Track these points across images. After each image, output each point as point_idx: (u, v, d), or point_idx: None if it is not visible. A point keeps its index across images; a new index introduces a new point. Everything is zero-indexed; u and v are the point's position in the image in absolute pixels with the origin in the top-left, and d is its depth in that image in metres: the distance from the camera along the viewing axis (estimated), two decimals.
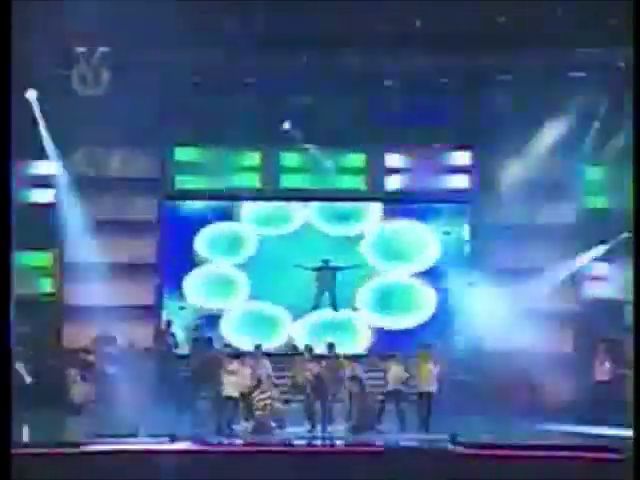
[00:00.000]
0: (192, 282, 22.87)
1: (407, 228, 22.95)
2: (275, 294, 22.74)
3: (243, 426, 17.82)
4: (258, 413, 17.82)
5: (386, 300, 22.87)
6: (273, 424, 17.85)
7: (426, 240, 22.94)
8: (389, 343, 21.67)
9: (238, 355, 18.82)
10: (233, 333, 22.59)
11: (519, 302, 20.94)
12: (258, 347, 19.60)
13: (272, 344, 22.03)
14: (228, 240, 23.06)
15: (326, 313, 22.90)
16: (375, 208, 23.08)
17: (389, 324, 22.73)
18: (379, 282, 22.99)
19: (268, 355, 19.64)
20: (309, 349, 19.36)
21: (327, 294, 22.78)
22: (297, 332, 22.62)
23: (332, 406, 18.77)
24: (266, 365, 19.02)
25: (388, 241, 22.99)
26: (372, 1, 18.38)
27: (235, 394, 17.71)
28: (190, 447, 15.34)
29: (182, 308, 22.74)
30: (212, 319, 22.68)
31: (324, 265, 22.66)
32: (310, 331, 22.63)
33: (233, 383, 17.73)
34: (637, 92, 15.97)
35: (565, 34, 18.60)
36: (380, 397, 18.54)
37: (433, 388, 18.27)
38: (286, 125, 21.51)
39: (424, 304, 22.82)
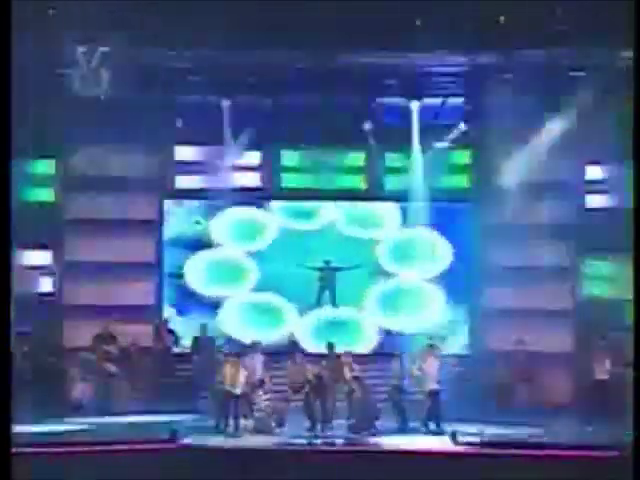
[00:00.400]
0: (194, 266, 22.81)
1: (420, 233, 22.93)
2: (281, 287, 22.68)
3: (242, 424, 17.82)
4: (259, 412, 17.84)
5: (393, 302, 22.83)
6: (273, 423, 17.87)
7: (437, 245, 22.94)
8: (394, 344, 21.55)
9: (238, 354, 18.86)
10: (233, 322, 22.50)
11: (519, 301, 20.98)
12: (256, 344, 19.54)
13: (272, 337, 21.95)
14: (245, 226, 23.02)
15: (328, 311, 22.86)
16: (393, 212, 23.09)
17: (395, 326, 22.65)
18: (387, 284, 22.95)
19: (268, 353, 19.59)
20: (331, 347, 19.32)
21: (328, 293, 22.76)
22: (299, 328, 22.54)
23: (332, 405, 18.87)
24: (264, 364, 18.97)
25: (402, 246, 22.94)
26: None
27: (234, 390, 17.73)
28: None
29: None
30: (211, 306, 22.66)
31: (325, 266, 22.64)
32: (312, 328, 22.58)
33: (231, 380, 17.77)
34: (637, 92, 15.97)
35: (565, 33, 18.64)
36: (382, 395, 18.59)
37: (439, 386, 18.36)
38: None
39: (431, 306, 22.79)
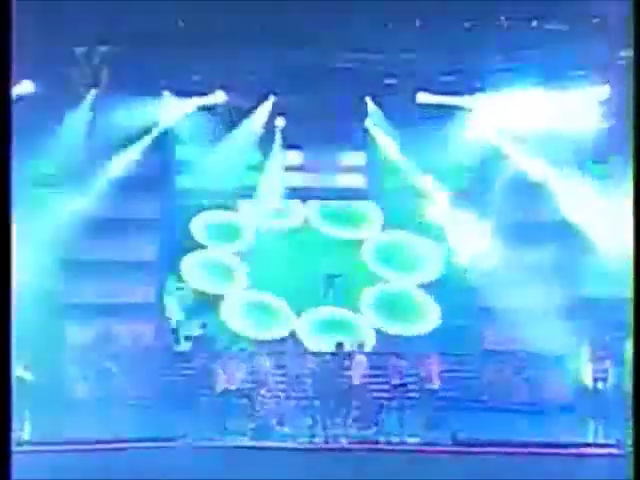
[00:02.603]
0: (191, 264, 22.95)
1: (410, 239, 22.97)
2: (275, 286, 22.77)
3: (244, 424, 17.89)
4: (261, 411, 17.88)
5: (389, 307, 22.84)
6: (274, 421, 17.90)
7: (429, 251, 22.96)
8: (392, 346, 21.58)
9: (238, 352, 18.92)
10: (234, 320, 22.54)
11: (518, 301, 20.99)
12: (260, 343, 19.59)
13: (273, 334, 21.97)
14: (227, 228, 23.18)
15: (328, 311, 22.88)
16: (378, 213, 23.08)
17: (392, 330, 22.68)
18: (383, 288, 22.99)
19: (269, 351, 19.62)
20: (339, 345, 19.35)
21: (330, 294, 22.80)
22: (300, 326, 22.55)
23: (334, 402, 18.95)
24: (267, 362, 19.00)
25: (389, 250, 22.98)
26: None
27: (232, 387, 17.78)
28: None
29: (180, 289, 22.74)
30: (212, 304, 22.69)
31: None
32: (313, 327, 22.60)
33: (231, 379, 17.82)
34: (637, 92, 15.96)
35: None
36: (383, 394, 18.63)
37: (436, 386, 18.40)
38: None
39: (426, 313, 22.82)
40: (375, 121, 21.59)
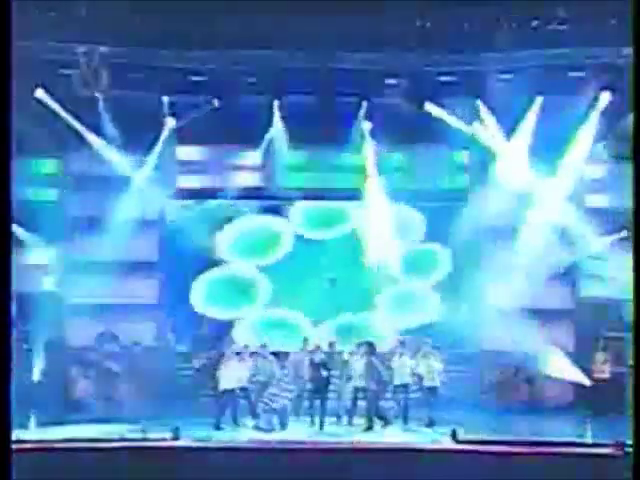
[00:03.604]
0: (202, 288, 22.88)
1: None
2: (293, 300, 22.76)
3: (244, 422, 17.89)
4: (264, 408, 17.89)
5: (398, 304, 22.85)
6: (275, 421, 17.91)
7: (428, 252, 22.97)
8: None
9: (239, 352, 18.90)
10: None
11: (518, 301, 20.99)
12: (264, 346, 19.58)
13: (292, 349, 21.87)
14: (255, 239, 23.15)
15: (345, 317, 22.89)
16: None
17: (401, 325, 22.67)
18: (393, 288, 23.02)
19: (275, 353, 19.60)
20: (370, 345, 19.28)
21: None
22: (318, 336, 22.19)
23: (335, 402, 18.98)
24: (272, 363, 18.94)
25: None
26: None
27: (230, 386, 17.77)
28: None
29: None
30: (223, 327, 22.69)
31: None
32: (332, 334, 22.44)
33: (231, 377, 17.81)
34: (637, 92, 15.95)
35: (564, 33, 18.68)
36: (387, 393, 18.64)
37: (437, 383, 18.41)
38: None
39: (430, 308, 22.83)
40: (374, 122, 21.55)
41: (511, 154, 21.23)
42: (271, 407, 17.95)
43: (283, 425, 17.94)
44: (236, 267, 23.21)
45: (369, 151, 22.07)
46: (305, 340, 20.04)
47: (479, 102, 20.93)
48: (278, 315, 22.91)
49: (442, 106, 20.94)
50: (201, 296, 22.95)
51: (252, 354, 19.31)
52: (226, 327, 22.66)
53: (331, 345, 19.89)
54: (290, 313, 22.82)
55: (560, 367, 20.84)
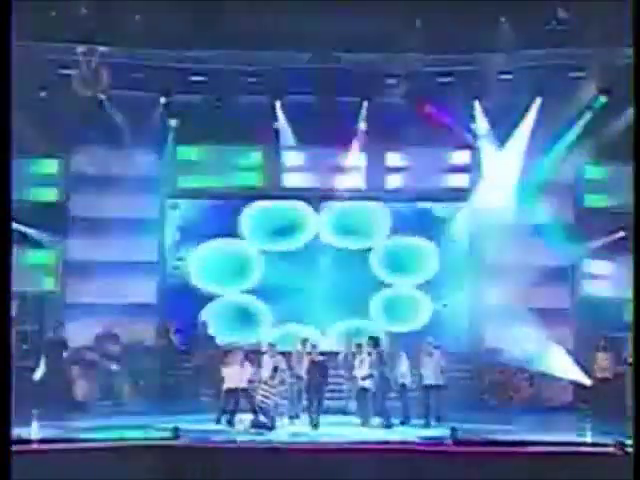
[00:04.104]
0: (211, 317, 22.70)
1: (412, 241, 22.93)
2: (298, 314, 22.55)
3: (241, 419, 17.89)
4: (260, 408, 17.90)
5: (392, 310, 22.84)
6: (267, 419, 17.91)
7: (429, 252, 22.92)
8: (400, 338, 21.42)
9: (239, 351, 18.89)
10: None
11: (518, 301, 21.00)
12: (272, 345, 19.49)
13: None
14: (232, 265, 22.94)
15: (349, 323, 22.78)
16: (383, 220, 23.07)
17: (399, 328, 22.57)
18: (386, 293, 22.95)
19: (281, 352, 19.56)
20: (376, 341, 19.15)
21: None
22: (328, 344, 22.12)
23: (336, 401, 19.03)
24: (274, 361, 18.88)
25: (395, 254, 22.91)
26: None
27: (233, 386, 17.78)
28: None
29: None
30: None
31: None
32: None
33: (232, 377, 17.82)
34: (637, 92, 15.95)
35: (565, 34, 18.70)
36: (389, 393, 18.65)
37: (439, 382, 18.44)
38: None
39: (425, 313, 22.78)
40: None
41: (510, 154, 21.26)
42: (269, 403, 17.96)
43: (273, 424, 17.93)
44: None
45: (369, 151, 22.15)
46: (304, 340, 20.02)
47: (478, 103, 20.96)
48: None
49: (442, 106, 20.98)
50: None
51: (254, 353, 19.30)
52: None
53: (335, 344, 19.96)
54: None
55: (560, 367, 20.85)
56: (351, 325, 22.45)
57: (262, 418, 17.64)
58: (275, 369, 18.20)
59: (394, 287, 22.89)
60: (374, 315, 22.75)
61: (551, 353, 21.02)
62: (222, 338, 21.85)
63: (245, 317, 22.74)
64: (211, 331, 22.05)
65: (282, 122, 21.65)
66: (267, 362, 18.71)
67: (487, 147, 21.63)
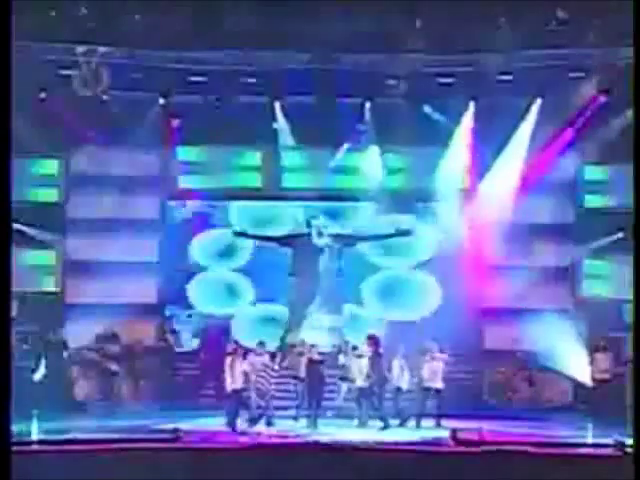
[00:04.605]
0: (197, 289, 22.85)
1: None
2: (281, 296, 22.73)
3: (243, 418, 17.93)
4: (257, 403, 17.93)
5: (390, 293, 22.81)
6: (262, 417, 17.93)
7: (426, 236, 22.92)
8: (397, 336, 21.42)
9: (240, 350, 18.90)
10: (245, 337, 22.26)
11: (517, 300, 21.01)
12: (261, 344, 19.50)
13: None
14: (224, 246, 23.03)
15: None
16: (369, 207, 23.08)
17: (395, 316, 22.54)
18: (382, 276, 22.93)
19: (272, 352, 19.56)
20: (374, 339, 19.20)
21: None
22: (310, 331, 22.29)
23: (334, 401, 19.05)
24: (262, 360, 18.87)
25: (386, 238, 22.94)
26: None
27: (237, 387, 17.81)
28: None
29: (189, 316, 22.72)
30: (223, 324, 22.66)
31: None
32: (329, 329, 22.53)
33: (235, 377, 17.84)
34: (637, 92, 15.98)
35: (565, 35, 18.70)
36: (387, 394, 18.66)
37: (439, 385, 18.43)
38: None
39: (427, 297, 22.77)
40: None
41: (509, 154, 21.28)
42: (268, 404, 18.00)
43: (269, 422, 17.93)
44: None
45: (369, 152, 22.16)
46: (302, 341, 20.03)
47: (477, 103, 20.98)
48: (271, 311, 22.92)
49: (441, 107, 20.99)
50: (199, 295, 22.94)
51: (249, 352, 19.28)
52: (225, 326, 22.63)
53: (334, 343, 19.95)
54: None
55: (560, 367, 20.87)
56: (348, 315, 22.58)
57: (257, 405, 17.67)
58: (272, 357, 18.25)
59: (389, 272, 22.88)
60: (369, 303, 22.75)
61: (551, 354, 21.02)
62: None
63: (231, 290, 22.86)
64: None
65: (282, 123, 21.63)
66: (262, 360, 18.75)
67: (487, 147, 21.59)
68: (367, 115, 21.35)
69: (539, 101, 20.85)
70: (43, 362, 20.31)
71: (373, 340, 18.71)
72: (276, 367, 18.46)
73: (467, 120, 21.28)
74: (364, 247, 22.83)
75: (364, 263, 22.80)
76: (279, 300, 22.76)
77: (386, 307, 22.67)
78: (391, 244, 22.71)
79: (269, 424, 17.75)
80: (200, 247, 23.02)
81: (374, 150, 22.16)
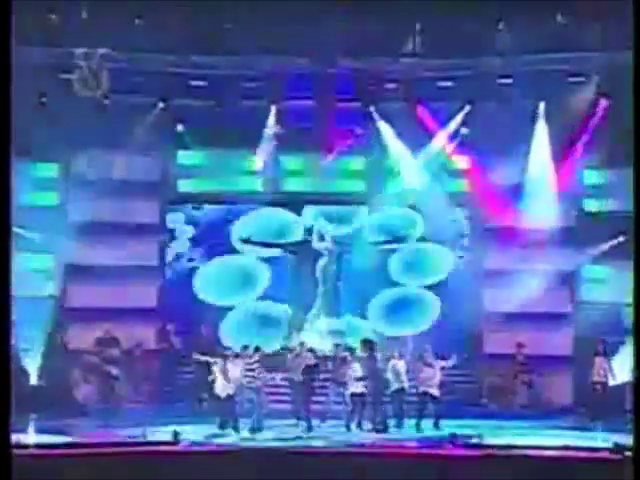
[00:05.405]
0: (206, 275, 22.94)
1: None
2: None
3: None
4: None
5: (394, 310, 22.84)
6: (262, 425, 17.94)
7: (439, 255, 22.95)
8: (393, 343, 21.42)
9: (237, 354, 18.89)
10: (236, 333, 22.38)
11: (518, 304, 21.01)
12: (245, 348, 19.42)
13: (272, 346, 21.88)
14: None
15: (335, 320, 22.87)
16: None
17: (394, 332, 22.55)
18: (389, 293, 22.94)
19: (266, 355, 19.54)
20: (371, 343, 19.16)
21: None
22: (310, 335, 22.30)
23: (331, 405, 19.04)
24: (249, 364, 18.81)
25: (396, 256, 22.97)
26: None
27: (227, 393, 17.80)
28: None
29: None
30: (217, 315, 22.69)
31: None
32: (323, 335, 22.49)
33: (226, 382, 17.83)
34: (637, 95, 15.98)
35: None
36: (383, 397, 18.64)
37: (435, 389, 18.41)
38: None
39: (429, 314, 22.75)
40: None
41: (509, 158, 21.29)
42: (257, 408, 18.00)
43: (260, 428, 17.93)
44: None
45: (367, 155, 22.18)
46: (301, 343, 20.04)
47: (477, 107, 21.00)
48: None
49: (441, 110, 21.03)
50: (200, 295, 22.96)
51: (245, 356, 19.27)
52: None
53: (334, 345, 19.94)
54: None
55: (560, 371, 20.88)
56: (348, 325, 22.56)
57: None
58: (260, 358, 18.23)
59: (395, 287, 22.91)
60: (371, 316, 22.75)
61: (550, 357, 21.03)
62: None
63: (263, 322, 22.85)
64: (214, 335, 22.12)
65: (281, 127, 21.64)
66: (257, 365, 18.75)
67: (486, 151, 21.59)
68: (365, 118, 21.37)
69: (538, 105, 20.87)
70: (43, 365, 20.37)
71: (368, 344, 18.73)
72: (263, 368, 18.42)
73: (463, 123, 21.34)
74: (363, 250, 22.84)
75: (364, 267, 22.78)
76: (279, 300, 22.76)
77: (388, 323, 22.69)
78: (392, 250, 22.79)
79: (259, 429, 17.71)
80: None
81: (373, 153, 22.19)
